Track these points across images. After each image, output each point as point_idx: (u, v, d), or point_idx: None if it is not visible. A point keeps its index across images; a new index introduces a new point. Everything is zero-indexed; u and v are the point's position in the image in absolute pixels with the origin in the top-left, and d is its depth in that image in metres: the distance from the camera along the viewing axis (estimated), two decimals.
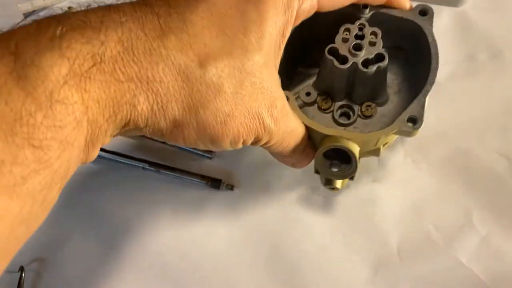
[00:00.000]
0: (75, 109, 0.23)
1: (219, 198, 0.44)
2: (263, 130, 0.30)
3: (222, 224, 0.43)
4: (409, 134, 0.34)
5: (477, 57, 0.46)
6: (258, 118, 0.30)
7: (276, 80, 0.31)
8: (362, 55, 0.35)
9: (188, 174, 0.44)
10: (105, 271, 0.42)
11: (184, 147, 0.45)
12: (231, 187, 0.44)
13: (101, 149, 0.45)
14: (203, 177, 0.44)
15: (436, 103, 0.44)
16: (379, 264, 0.40)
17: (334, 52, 0.35)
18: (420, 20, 0.36)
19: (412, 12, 0.36)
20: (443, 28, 0.47)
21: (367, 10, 0.37)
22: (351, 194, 0.42)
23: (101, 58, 0.24)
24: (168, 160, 0.44)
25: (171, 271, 0.42)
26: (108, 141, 0.27)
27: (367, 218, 0.41)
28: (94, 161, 0.45)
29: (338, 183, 0.37)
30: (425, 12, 0.36)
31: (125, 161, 0.44)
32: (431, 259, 0.39)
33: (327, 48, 0.35)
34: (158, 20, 0.26)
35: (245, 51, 0.28)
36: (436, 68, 0.35)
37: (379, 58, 0.35)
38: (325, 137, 0.35)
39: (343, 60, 0.35)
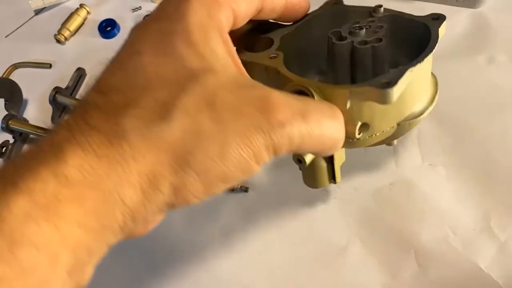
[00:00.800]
0: (49, 243, 0.20)
1: (233, 200, 0.43)
2: (275, 135, 0.25)
3: (236, 226, 0.42)
4: (380, 97, 0.30)
5: (497, 59, 0.45)
6: (256, 127, 0.25)
7: (242, 75, 0.28)
8: (361, 36, 0.34)
9: None
10: (116, 272, 0.42)
11: None
12: (245, 189, 0.43)
13: None
14: None
15: (454, 106, 0.43)
16: (396, 269, 0.39)
17: (336, 34, 0.34)
18: (429, 22, 0.35)
19: (425, 16, 0.36)
20: (461, 29, 0.46)
21: (381, 10, 0.36)
22: (369, 197, 0.42)
23: (65, 174, 0.21)
24: None
25: (184, 273, 0.41)
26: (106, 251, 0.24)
27: (385, 222, 0.41)
28: None
29: (307, 158, 0.35)
30: (437, 17, 0.36)
31: None
32: (449, 264, 0.39)
33: (331, 31, 0.34)
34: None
35: (191, 74, 0.25)
36: (429, 51, 0.32)
37: (377, 41, 0.34)
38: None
39: (341, 39, 0.34)
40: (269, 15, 0.34)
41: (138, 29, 0.28)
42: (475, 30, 0.47)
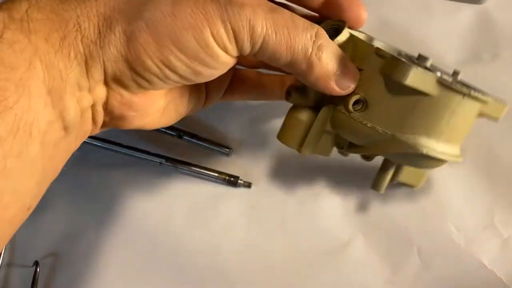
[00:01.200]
0: (23, 48, 0.23)
1: (236, 195, 0.43)
2: (232, 11, 0.26)
3: (239, 222, 0.42)
4: (397, 67, 0.28)
5: (501, 55, 0.45)
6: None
7: None
8: (427, 62, 0.31)
9: (205, 170, 0.43)
10: (120, 266, 0.42)
11: (200, 142, 0.44)
12: (248, 184, 0.43)
13: (118, 144, 0.45)
14: (220, 173, 0.43)
15: None
16: (399, 264, 0.39)
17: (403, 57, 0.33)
18: None
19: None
20: (465, 26, 0.46)
21: (459, 76, 0.33)
22: (371, 192, 0.41)
23: (37, 2, 0.25)
24: (185, 155, 0.44)
25: (186, 268, 0.42)
26: (84, 102, 0.26)
27: (387, 217, 0.41)
28: (110, 156, 0.45)
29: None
30: None
31: (142, 156, 0.44)
32: (452, 260, 0.39)
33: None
34: None
35: None
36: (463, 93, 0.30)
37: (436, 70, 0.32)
38: None
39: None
40: (306, 1, 0.33)
41: None
42: (479, 26, 0.46)
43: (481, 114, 0.32)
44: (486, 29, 0.46)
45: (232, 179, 0.43)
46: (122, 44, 0.26)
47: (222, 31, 0.26)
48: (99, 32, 0.25)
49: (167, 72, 0.27)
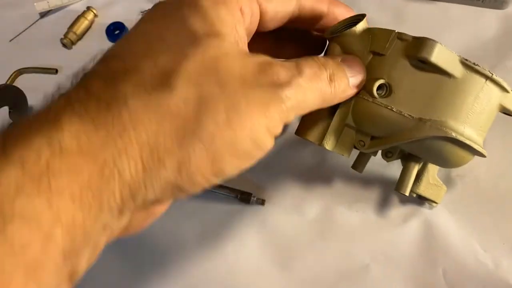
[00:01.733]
0: (41, 220, 0.19)
1: (249, 213, 0.42)
2: (280, 97, 0.24)
3: (252, 240, 0.41)
4: (420, 44, 0.28)
5: None
6: (263, 89, 0.24)
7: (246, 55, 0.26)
8: None
9: (217, 187, 0.42)
10: (129, 287, 0.41)
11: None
12: (261, 202, 0.41)
13: None
14: (232, 190, 0.42)
15: None
16: (423, 287, 0.37)
17: None
18: None
19: None
20: (488, 32, 0.44)
21: None
22: (393, 210, 0.40)
23: (59, 142, 0.20)
24: None
25: (198, 286, 0.40)
26: (105, 240, 0.22)
27: (410, 237, 0.39)
28: None
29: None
30: None
31: None
32: (479, 282, 0.37)
33: None
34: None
35: (194, 37, 0.24)
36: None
37: None
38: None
39: None
40: (307, 25, 0.33)
41: (153, 6, 0.27)
42: (502, 32, 0.44)
43: (501, 107, 0.31)
44: (510, 35, 0.44)
45: (244, 196, 0.41)
46: (173, 173, 0.22)
47: (277, 120, 0.24)
48: (143, 168, 0.21)
49: (215, 181, 0.23)
